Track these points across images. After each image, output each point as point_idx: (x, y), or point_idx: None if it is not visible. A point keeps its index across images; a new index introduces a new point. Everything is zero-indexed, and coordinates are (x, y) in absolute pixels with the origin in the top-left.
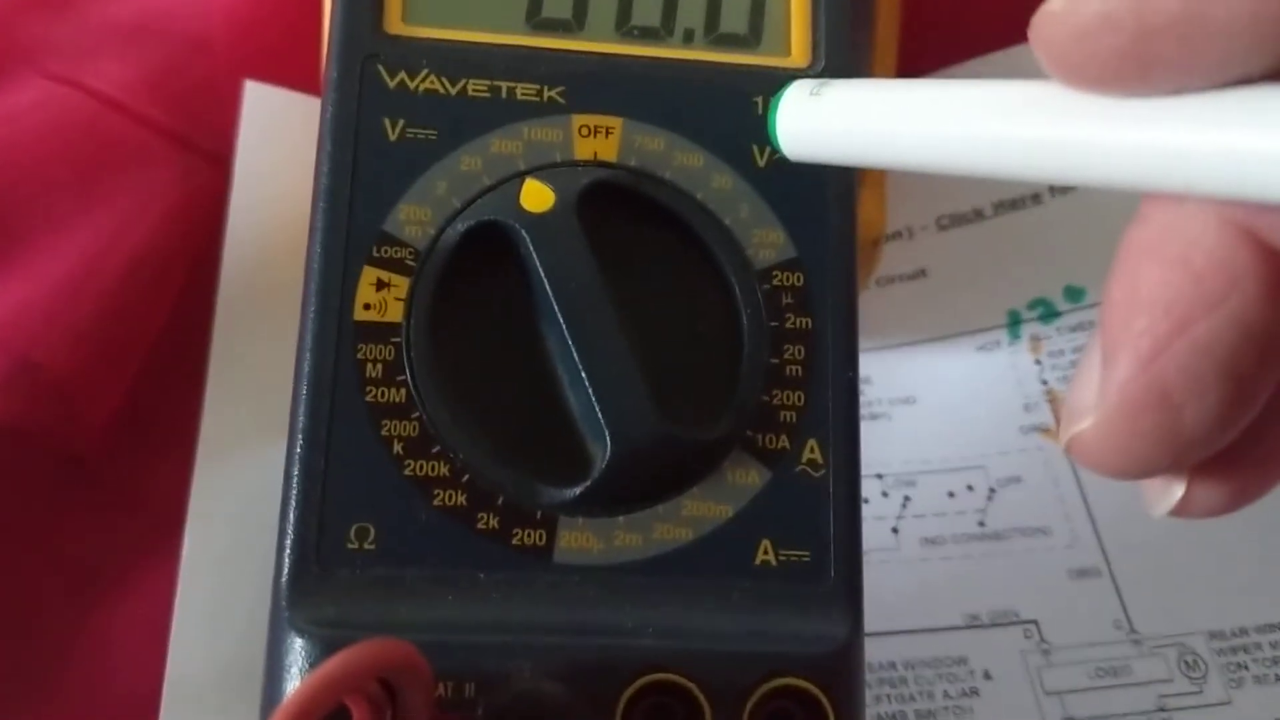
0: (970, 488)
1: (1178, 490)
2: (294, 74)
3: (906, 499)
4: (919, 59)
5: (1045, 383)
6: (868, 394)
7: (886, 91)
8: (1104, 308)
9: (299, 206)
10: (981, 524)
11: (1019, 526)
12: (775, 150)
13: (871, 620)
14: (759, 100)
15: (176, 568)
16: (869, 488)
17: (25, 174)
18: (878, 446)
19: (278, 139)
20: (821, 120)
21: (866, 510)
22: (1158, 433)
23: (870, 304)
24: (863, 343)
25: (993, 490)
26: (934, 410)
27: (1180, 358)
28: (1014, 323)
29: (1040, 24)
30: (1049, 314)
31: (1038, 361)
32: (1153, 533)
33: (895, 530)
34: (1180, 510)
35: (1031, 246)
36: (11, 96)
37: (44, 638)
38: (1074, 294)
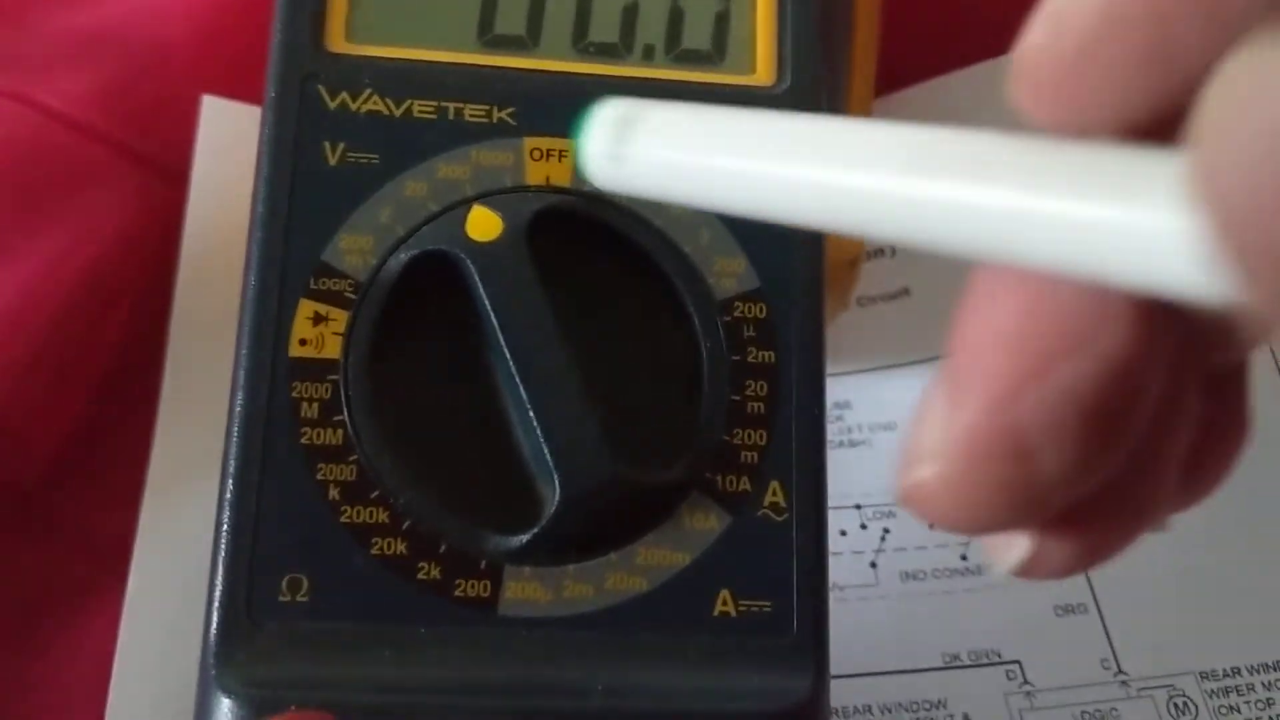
0: None
1: (1024, 548)
2: (256, 88)
3: (886, 531)
4: (899, 71)
5: None
6: (847, 419)
7: (723, 121)
8: (955, 340)
9: None
10: (964, 557)
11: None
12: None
13: (847, 661)
14: None
15: (121, 604)
16: (847, 519)
17: None
18: (857, 475)
19: (237, 155)
20: (639, 149)
21: (844, 543)
22: (1007, 485)
23: (850, 324)
24: (842, 365)
25: None
26: None
27: (1037, 402)
28: None
29: (1028, 63)
30: None
31: None
32: (1142, 568)
33: (874, 565)
34: (1025, 570)
35: None
36: None
37: None
38: None
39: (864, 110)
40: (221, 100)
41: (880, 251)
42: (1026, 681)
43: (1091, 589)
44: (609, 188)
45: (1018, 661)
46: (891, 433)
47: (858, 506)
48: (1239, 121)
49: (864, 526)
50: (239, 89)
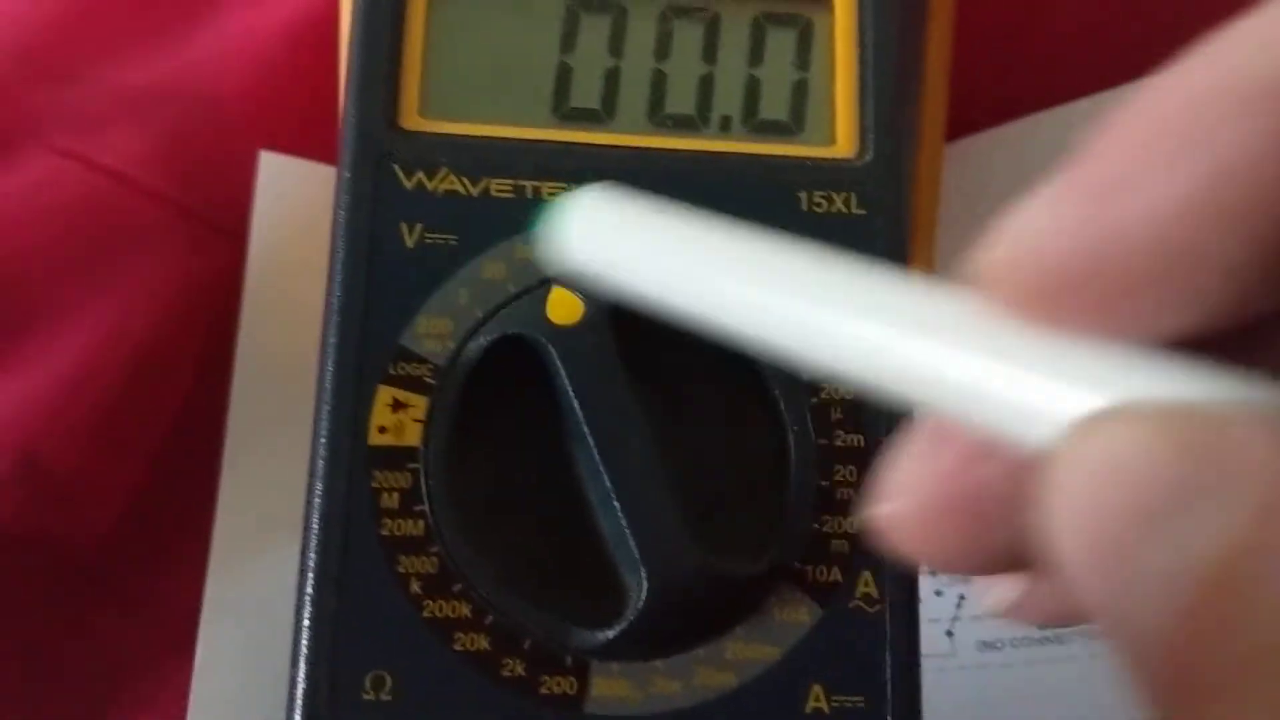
0: None
1: (1009, 589)
2: (313, 143)
3: (961, 598)
4: (963, 123)
5: None
6: None
7: (704, 235)
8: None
9: (320, 283)
10: (1042, 625)
11: (1083, 628)
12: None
13: None
14: (803, 195)
15: (189, 677)
16: (921, 585)
17: (25, 258)
18: None
19: (296, 212)
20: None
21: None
22: (965, 538)
23: None
24: None
25: None
26: None
27: (1000, 473)
28: None
29: (990, 272)
30: None
31: None
32: None
33: (950, 634)
34: (1012, 615)
35: None
36: (13, 175)
37: None
38: None
39: (935, 161)
40: (279, 156)
41: None
42: None
43: None
44: (556, 269)
45: None
46: None
47: (932, 573)
48: (1068, 504)
49: (939, 593)
50: (295, 145)
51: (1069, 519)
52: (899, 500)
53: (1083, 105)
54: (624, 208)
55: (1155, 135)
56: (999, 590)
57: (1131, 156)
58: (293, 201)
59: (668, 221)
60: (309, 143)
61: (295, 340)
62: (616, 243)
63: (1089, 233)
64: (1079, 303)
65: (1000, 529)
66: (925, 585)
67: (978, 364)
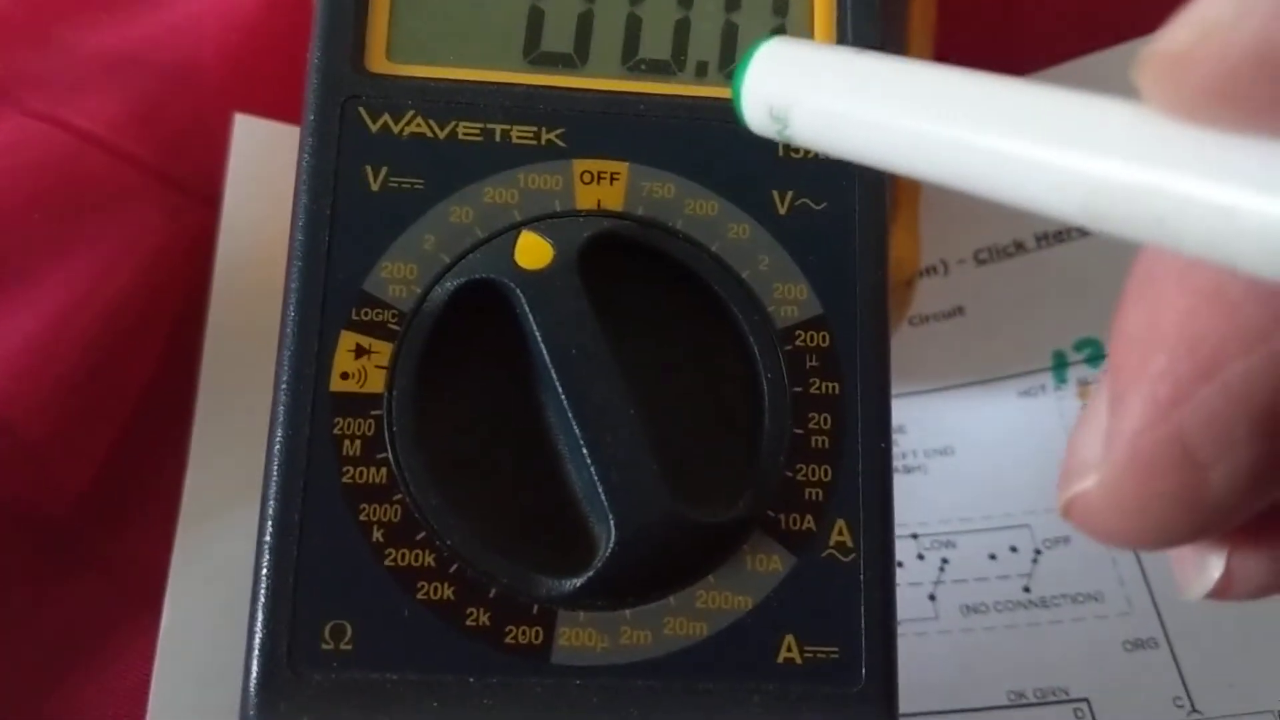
0: (1014, 549)
1: (1216, 566)
2: (289, 106)
3: (944, 562)
4: None
5: None
6: (901, 444)
7: (910, 72)
8: (1114, 342)
9: None
10: (1027, 589)
11: (1068, 593)
12: (738, 118)
13: (905, 700)
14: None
15: (155, 639)
16: (903, 549)
17: None
18: (912, 503)
19: (270, 176)
20: (814, 91)
21: (901, 575)
22: (1177, 496)
23: (903, 345)
24: (895, 387)
25: (1039, 551)
26: (973, 462)
27: (1208, 406)
28: (1059, 365)
29: (1160, 64)
30: (1097, 355)
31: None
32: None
33: (932, 597)
34: (1221, 591)
35: (1077, 281)
36: None
37: (16, 713)
38: None
39: None
40: (254, 119)
41: (933, 269)
42: None
43: (1162, 622)
44: (766, 133)
45: (1086, 699)
46: (948, 458)
47: (914, 536)
48: None
49: (921, 557)
50: (271, 109)
51: None
52: (1094, 473)
53: (1068, 69)
54: (805, 51)
55: None
56: (1208, 570)
57: None
58: (267, 164)
59: (850, 59)
60: (285, 106)
61: (268, 304)
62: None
63: None
64: (1266, 101)
65: (1221, 472)
66: (907, 548)
67: (1179, 173)
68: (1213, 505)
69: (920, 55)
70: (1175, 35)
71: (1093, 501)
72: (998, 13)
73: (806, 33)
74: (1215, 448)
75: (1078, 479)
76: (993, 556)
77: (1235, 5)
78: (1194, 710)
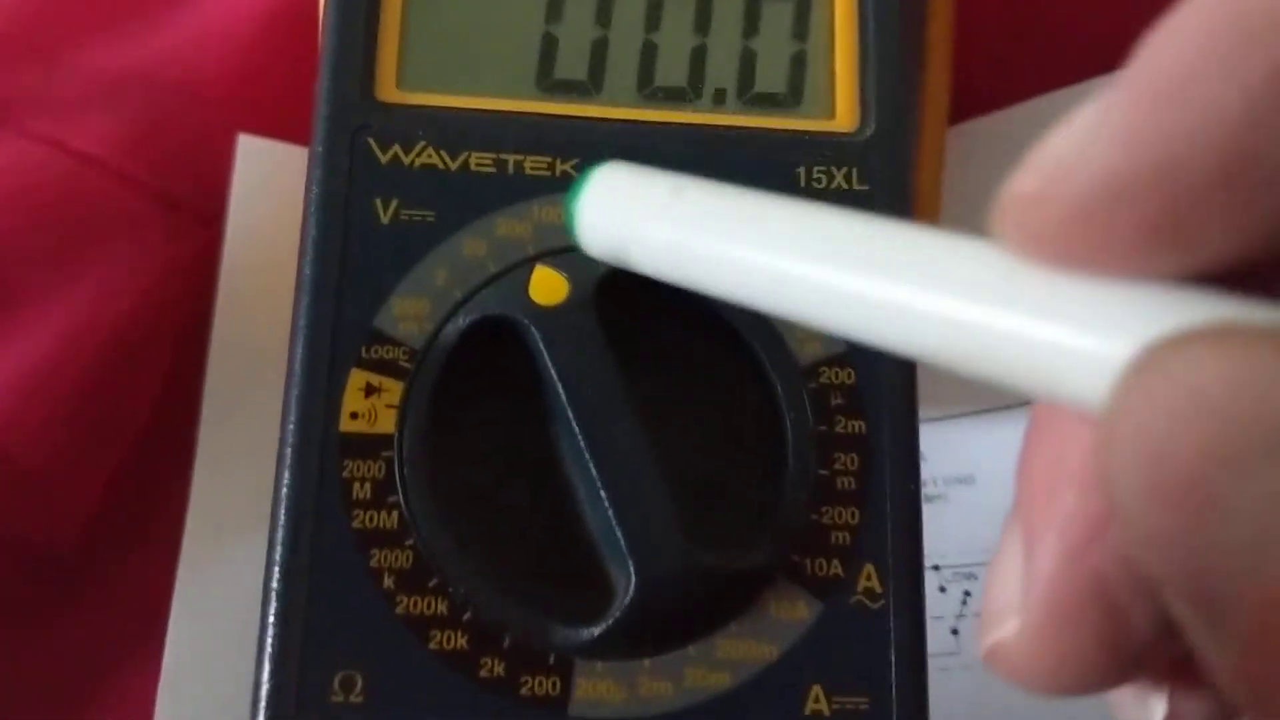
0: None
1: (1158, 708)
2: (293, 126)
3: (967, 595)
4: (968, 104)
5: None
6: (921, 473)
7: (746, 204)
8: (1020, 482)
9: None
10: None
11: None
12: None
13: None
14: (801, 170)
15: (158, 674)
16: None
17: None
18: (934, 534)
19: (275, 197)
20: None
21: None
22: (1099, 639)
23: (921, 370)
24: None
25: None
26: (996, 490)
27: (1120, 547)
28: None
29: (1013, 210)
30: None
31: None
32: None
33: (955, 631)
34: None
35: None
36: None
37: None
38: None
39: (938, 141)
40: (258, 139)
41: None
42: None
43: None
44: (600, 257)
45: None
46: (969, 487)
47: (936, 568)
48: (1132, 438)
49: (943, 589)
50: (275, 128)
51: (1138, 457)
52: (1012, 620)
53: (1088, 88)
54: (641, 180)
55: (1211, 36)
56: (1149, 708)
57: (1187, 61)
58: (271, 185)
59: (684, 191)
60: (289, 127)
61: (272, 329)
62: (634, 218)
63: (1142, 142)
64: (1119, 233)
65: (1141, 613)
66: (929, 581)
67: (1018, 314)
68: (1137, 646)
69: (939, 72)
70: (1025, 178)
71: (1013, 649)
72: (1017, 26)
73: (828, 56)
74: (1133, 587)
75: (996, 625)
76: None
77: (1077, 142)
78: None
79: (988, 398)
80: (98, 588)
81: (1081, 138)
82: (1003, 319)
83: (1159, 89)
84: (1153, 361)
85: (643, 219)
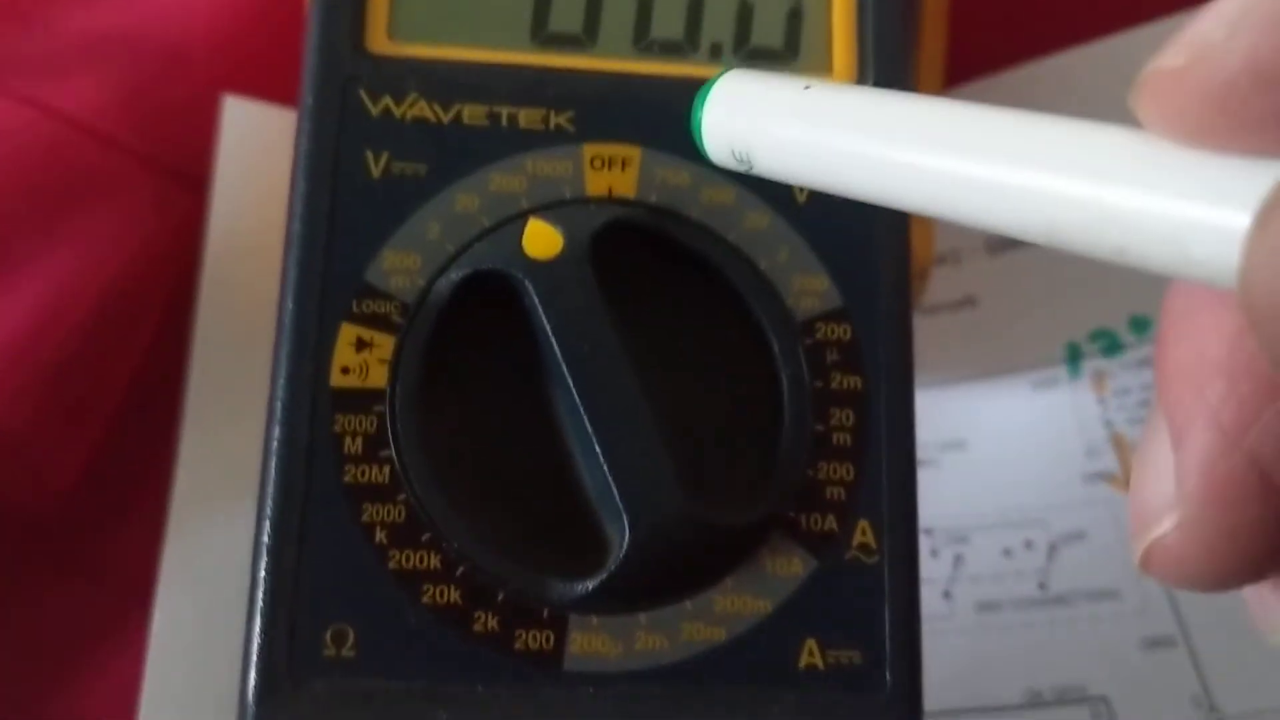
0: (1029, 545)
1: None
2: (281, 87)
3: (958, 558)
4: (965, 65)
5: (1110, 424)
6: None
7: (876, 97)
8: (1163, 381)
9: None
10: (1042, 586)
11: (1084, 589)
12: (701, 154)
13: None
14: None
15: (145, 640)
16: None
17: None
18: (925, 499)
19: (262, 159)
20: (774, 122)
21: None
22: (1262, 524)
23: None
24: None
25: (1054, 547)
26: (986, 457)
27: (1277, 423)
28: (1074, 357)
29: (1156, 85)
30: (1113, 347)
31: (1101, 401)
32: (1234, 596)
33: (947, 595)
34: None
35: (1092, 272)
36: None
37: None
38: (1140, 325)
39: None
40: (244, 101)
41: (944, 258)
42: (1114, 719)
43: (1180, 620)
44: (730, 168)
45: (1104, 698)
46: (961, 452)
47: (927, 532)
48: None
49: (935, 553)
50: (261, 91)
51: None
52: (1169, 517)
53: (1084, 52)
54: (766, 82)
55: None
56: None
57: None
58: (258, 147)
59: (812, 88)
60: (277, 87)
61: (261, 292)
62: (761, 117)
63: None
64: (1257, 117)
65: None
66: (921, 545)
67: (1156, 191)
68: None
69: (935, 35)
70: (1171, 55)
71: (1173, 546)
72: None
73: (825, 10)
74: None
75: (1152, 526)
76: (1007, 552)
77: (1227, 24)
78: (1213, 709)
79: (978, 365)
80: (82, 556)
81: (1231, 18)
82: (1140, 196)
83: None
84: None
85: (770, 116)
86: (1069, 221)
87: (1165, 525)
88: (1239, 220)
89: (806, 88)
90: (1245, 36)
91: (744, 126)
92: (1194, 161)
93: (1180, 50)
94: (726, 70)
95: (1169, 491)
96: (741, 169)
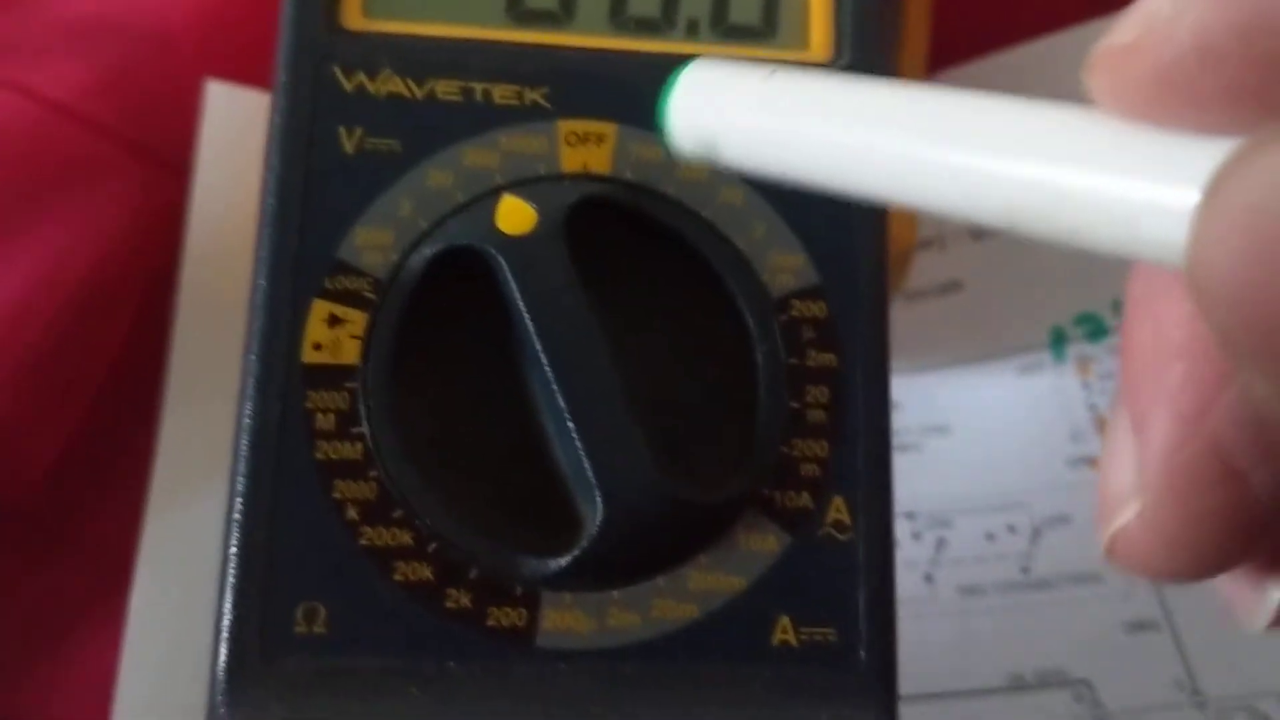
0: (1012, 529)
1: (1275, 590)
2: (263, 72)
3: (941, 542)
4: (949, 50)
5: (1094, 408)
6: (896, 422)
7: (840, 85)
8: (1125, 363)
9: None
10: (1025, 570)
11: (1067, 573)
12: (665, 147)
13: (903, 683)
14: None
15: (123, 623)
16: (898, 529)
17: None
18: (908, 482)
19: (244, 144)
20: (747, 113)
21: (896, 556)
22: (1223, 511)
23: (898, 321)
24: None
25: (1037, 531)
26: (970, 441)
27: (1236, 408)
28: (1058, 341)
29: (1107, 62)
30: (1097, 331)
31: (1086, 385)
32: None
33: (929, 578)
34: None
35: (1076, 257)
36: None
37: None
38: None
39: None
40: (226, 85)
41: (929, 243)
42: (1097, 703)
43: (1163, 604)
44: (699, 162)
45: (1086, 681)
46: (945, 436)
47: (909, 515)
48: (1230, 221)
49: (917, 537)
50: (245, 75)
51: (1237, 229)
52: (1131, 504)
53: (1070, 36)
54: (731, 72)
55: None
56: (1267, 596)
57: None
58: (241, 132)
59: (775, 77)
60: (259, 72)
61: (241, 277)
62: (727, 108)
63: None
64: (1206, 91)
65: (1263, 476)
66: (903, 529)
67: (1109, 171)
68: (1260, 515)
69: (918, 19)
70: (1121, 31)
71: (1136, 534)
72: None
73: None
74: (1252, 451)
75: (1115, 514)
76: (990, 536)
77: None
78: (1196, 692)
79: (962, 350)
80: (62, 540)
81: None
82: (1089, 175)
83: None
84: (1245, 147)
85: (736, 108)
86: (1024, 205)
87: (1128, 514)
88: (1187, 197)
89: (770, 74)
90: (1193, 11)
91: (709, 118)
92: (1143, 139)
93: (1130, 27)
94: (691, 63)
95: (1132, 480)
96: (711, 160)
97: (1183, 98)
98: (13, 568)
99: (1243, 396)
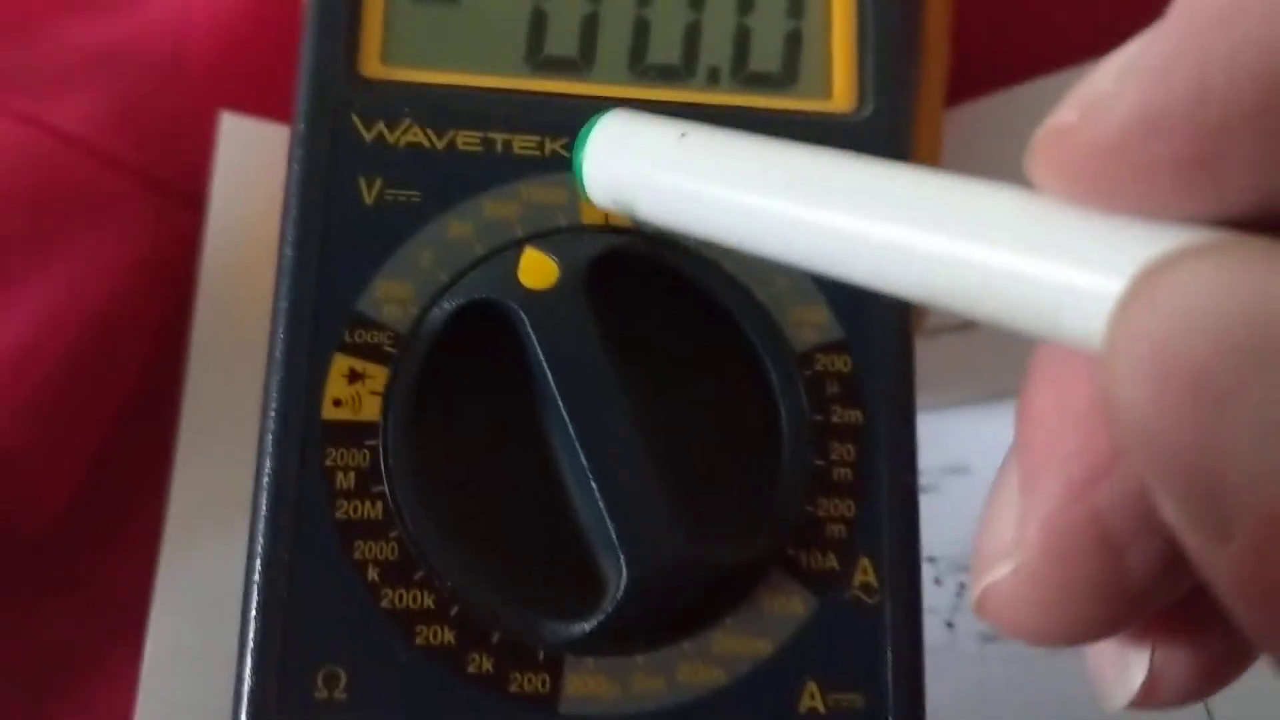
0: None
1: (1139, 667)
2: (278, 103)
3: (961, 587)
4: (966, 83)
5: None
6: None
7: (753, 148)
8: (1022, 423)
9: None
10: None
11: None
12: (583, 196)
13: None
14: None
15: (139, 663)
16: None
17: None
18: (928, 526)
19: (258, 176)
20: (657, 166)
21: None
22: (1094, 581)
23: (915, 359)
24: None
25: None
26: (990, 481)
27: (1124, 484)
28: None
29: (1050, 143)
30: None
31: None
32: None
33: (950, 625)
34: (1147, 696)
35: None
36: None
37: None
38: None
39: (935, 123)
40: (241, 117)
41: None
42: None
43: None
44: (607, 208)
45: None
46: (964, 477)
47: (930, 560)
48: (1139, 343)
49: (938, 582)
50: (259, 106)
51: (1146, 358)
52: (1006, 562)
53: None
54: (646, 127)
55: None
56: (1132, 671)
57: None
58: (255, 164)
59: (690, 136)
60: (274, 104)
61: (256, 311)
62: (640, 165)
63: (1178, 72)
64: (1148, 167)
65: (1139, 554)
66: (924, 573)
67: (1024, 252)
68: (1132, 590)
69: (937, 53)
70: (1063, 112)
71: (1007, 592)
72: (1015, 7)
73: (825, 35)
74: (1132, 527)
75: (990, 569)
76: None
77: (1115, 75)
78: None
79: (982, 387)
80: (75, 579)
81: (1120, 70)
82: (1010, 258)
83: (1197, 21)
84: (1158, 268)
85: (649, 166)
86: (941, 282)
87: (1002, 571)
88: (1109, 288)
89: (683, 135)
90: (1136, 87)
91: (622, 176)
92: (1074, 222)
93: (1072, 106)
94: (603, 114)
95: (1011, 537)
96: (626, 213)
97: (1130, 169)
98: (28, 602)
99: (1130, 475)
